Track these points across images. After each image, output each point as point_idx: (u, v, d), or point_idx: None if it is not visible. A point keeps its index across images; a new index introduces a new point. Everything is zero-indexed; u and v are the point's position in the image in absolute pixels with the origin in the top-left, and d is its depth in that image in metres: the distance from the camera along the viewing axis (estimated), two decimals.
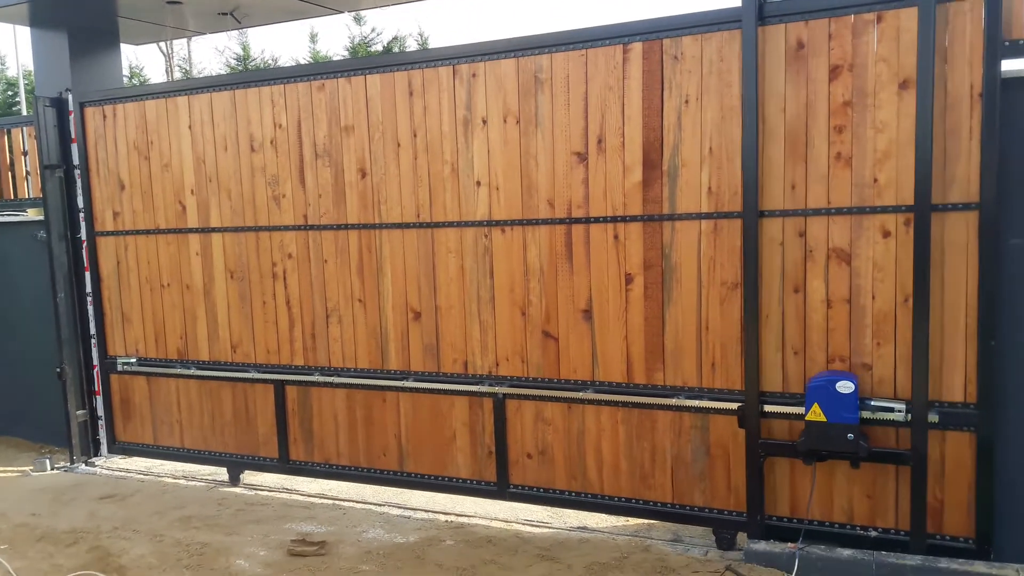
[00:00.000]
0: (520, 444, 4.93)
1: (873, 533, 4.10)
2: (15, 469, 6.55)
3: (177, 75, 26.24)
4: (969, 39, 3.76)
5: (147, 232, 6.02)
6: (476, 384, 4.99)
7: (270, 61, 27.84)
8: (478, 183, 4.88)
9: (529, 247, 4.78)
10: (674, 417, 4.49)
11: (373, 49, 27.04)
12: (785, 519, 4.31)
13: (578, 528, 4.92)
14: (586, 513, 4.98)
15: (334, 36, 34.68)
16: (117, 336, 6.28)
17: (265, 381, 5.68)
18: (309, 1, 6.49)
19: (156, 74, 29.94)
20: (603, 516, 4.97)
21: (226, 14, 6.65)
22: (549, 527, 4.95)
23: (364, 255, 5.26)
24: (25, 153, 7.04)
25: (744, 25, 4.09)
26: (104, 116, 6.10)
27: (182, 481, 6.11)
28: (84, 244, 6.40)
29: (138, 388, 6.26)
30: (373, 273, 5.25)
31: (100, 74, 6.70)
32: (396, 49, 27.60)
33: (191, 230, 5.83)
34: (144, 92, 6.01)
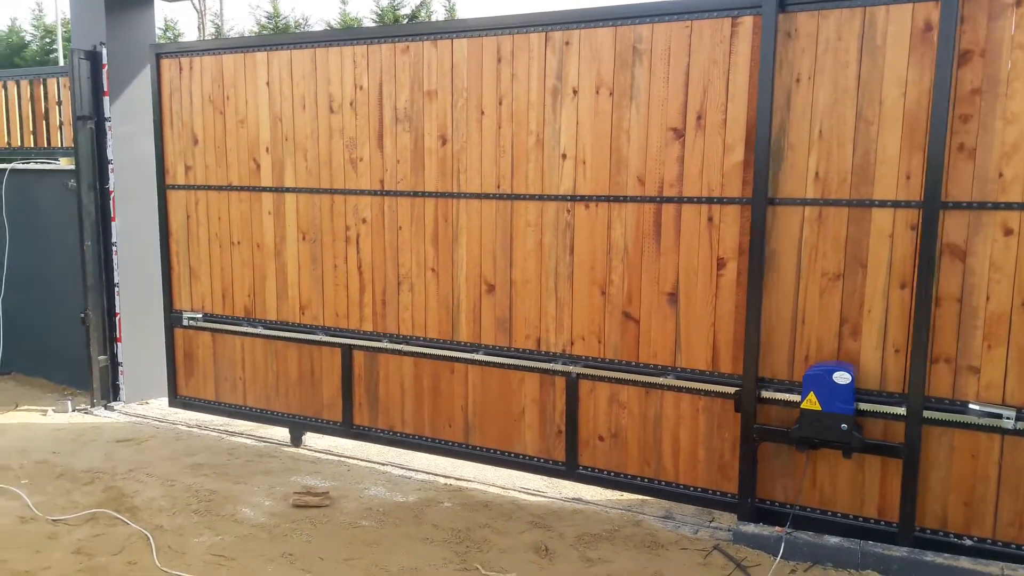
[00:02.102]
0: (592, 425, 4.84)
1: (968, 542, 3.94)
2: (38, 408, 6.80)
3: (209, 30, 26.24)
4: None
5: (219, 188, 5.98)
6: (549, 362, 4.89)
7: (300, 20, 27.99)
8: (564, 156, 4.72)
9: (614, 224, 4.63)
10: (760, 409, 4.34)
11: (401, 13, 26.88)
12: (775, 503, 4.35)
13: (572, 499, 4.96)
14: (664, 501, 4.89)
15: None
16: (183, 290, 6.29)
17: (332, 344, 5.64)
18: None
19: (189, 29, 30.20)
20: (598, 489, 5.02)
21: None
22: (544, 496, 5.02)
23: (440, 224, 5.15)
24: (59, 103, 7.13)
25: (764, 10, 4.01)
26: (180, 68, 6.04)
27: (195, 429, 6.30)
28: (112, 194, 6.63)
29: (202, 343, 6.27)
30: (448, 243, 5.14)
31: (134, 28, 6.78)
32: (423, 14, 27.15)
33: (264, 189, 5.77)
34: (222, 46, 5.92)
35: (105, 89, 6.59)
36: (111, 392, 6.89)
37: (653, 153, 4.46)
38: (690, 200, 4.40)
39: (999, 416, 3.80)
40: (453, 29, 4.98)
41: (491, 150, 4.92)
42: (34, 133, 7.30)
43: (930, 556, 3.92)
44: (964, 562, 3.84)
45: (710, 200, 4.34)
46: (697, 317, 4.45)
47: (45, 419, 6.53)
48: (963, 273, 3.85)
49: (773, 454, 4.34)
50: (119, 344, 6.82)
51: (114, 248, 6.70)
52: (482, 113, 4.92)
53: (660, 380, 4.56)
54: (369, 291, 5.47)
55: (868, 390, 4.08)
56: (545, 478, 5.16)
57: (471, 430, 5.24)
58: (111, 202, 6.67)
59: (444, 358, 5.25)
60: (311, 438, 5.99)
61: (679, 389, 4.53)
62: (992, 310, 3.81)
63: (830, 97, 4.01)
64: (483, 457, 5.23)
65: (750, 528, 4.28)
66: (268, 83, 5.65)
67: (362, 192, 5.39)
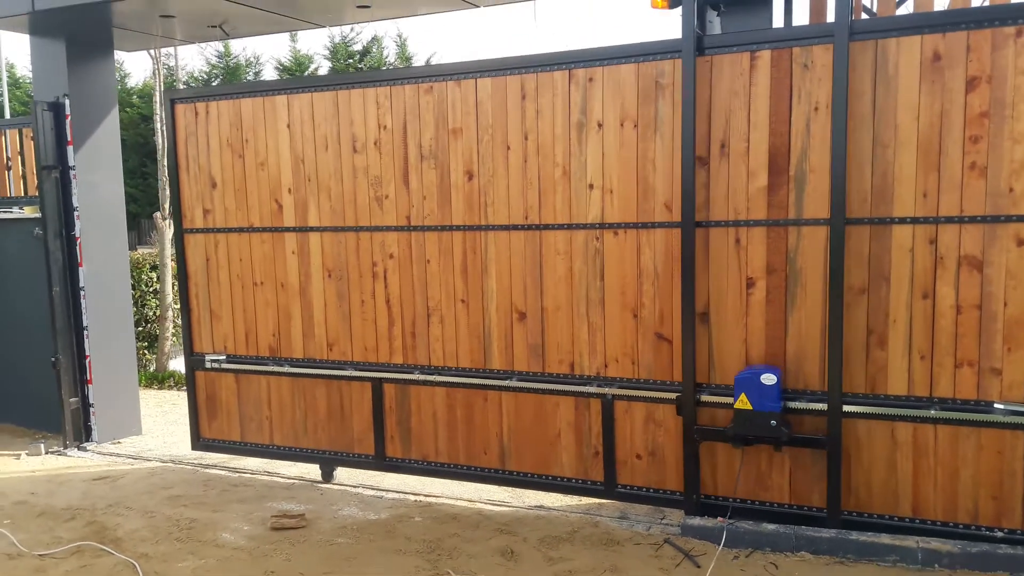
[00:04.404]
0: (629, 445, 4.99)
1: (999, 534, 4.19)
2: (10, 453, 6.92)
3: (164, 73, 26.29)
4: None
5: (240, 230, 6.04)
6: (583, 385, 5.05)
7: (251, 58, 28.43)
8: (591, 186, 4.92)
9: (643, 250, 4.83)
10: (794, 420, 4.55)
11: (352, 49, 27.39)
12: (717, 497, 4.77)
13: (535, 506, 5.31)
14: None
15: (314, 36, 34.92)
16: (204, 333, 6.30)
17: (362, 379, 5.72)
18: (293, 17, 6.83)
19: (137, 69, 30.43)
20: (559, 496, 5.36)
21: (215, 26, 7.00)
22: (509, 506, 5.35)
23: (468, 256, 5.30)
24: (21, 153, 7.33)
25: (684, 55, 4.51)
26: (196, 113, 6.11)
27: (170, 464, 6.51)
28: (78, 241, 6.88)
29: (225, 385, 6.28)
30: (477, 274, 5.29)
31: (96, 78, 7.12)
32: (375, 50, 27.60)
33: (288, 229, 5.85)
34: (240, 90, 6.02)
35: (69, 139, 6.85)
36: (83, 433, 7.10)
37: (679, 180, 4.69)
38: (717, 224, 4.63)
39: (1023, 413, 4.06)
40: (476, 69, 5.17)
41: (518, 183, 5.10)
42: None
43: (855, 535, 4.33)
44: (884, 538, 4.27)
45: (736, 223, 4.58)
46: (729, 335, 4.66)
47: (19, 463, 6.63)
48: (981, 282, 4.13)
49: (716, 452, 4.74)
50: (90, 386, 7.04)
51: (82, 293, 6.93)
52: (508, 148, 5.10)
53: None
54: (398, 324, 5.57)
55: (897, 396, 4.33)
56: (507, 489, 5.49)
57: (507, 456, 5.36)
58: (78, 248, 6.90)
59: (477, 386, 5.37)
60: (285, 466, 6.21)
61: (715, 405, 4.72)
62: (1010, 314, 4.09)
63: (847, 123, 4.29)
64: (520, 481, 5.34)
65: (696, 521, 4.67)
66: (289, 125, 5.77)
67: (388, 228, 5.52)
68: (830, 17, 4.45)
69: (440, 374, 5.46)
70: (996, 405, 4.14)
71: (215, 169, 6.09)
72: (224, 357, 6.23)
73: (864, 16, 4.80)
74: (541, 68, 4.96)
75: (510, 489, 5.51)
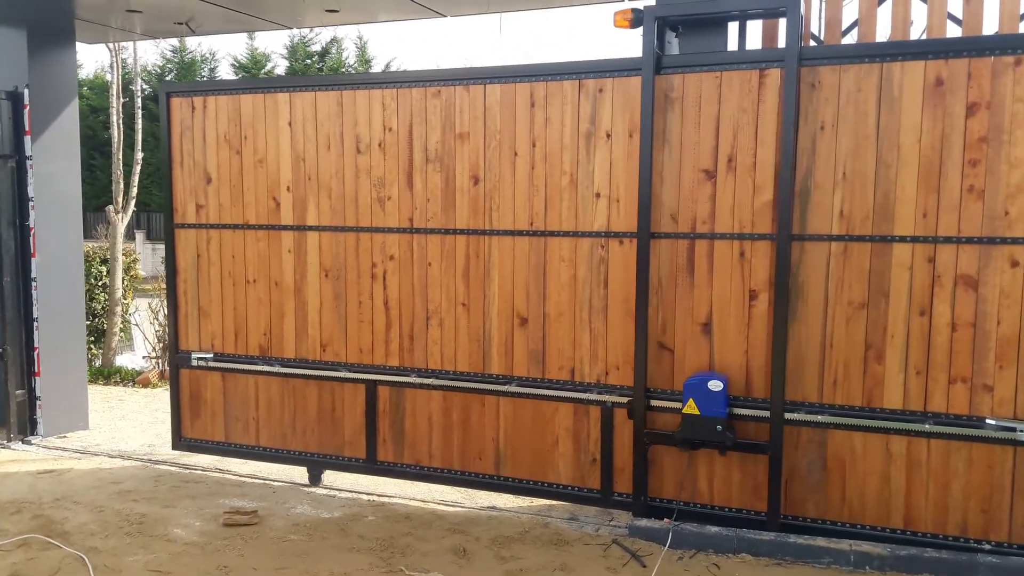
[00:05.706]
0: (627, 453, 5.02)
1: (987, 546, 4.32)
2: None
3: (119, 66, 26.27)
4: None
5: (234, 227, 5.95)
6: (584, 392, 5.07)
7: (207, 54, 28.22)
8: (597, 195, 4.98)
9: (649, 259, 4.89)
10: (790, 431, 4.64)
11: (311, 49, 27.37)
12: (662, 500, 4.94)
13: (488, 507, 5.42)
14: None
15: (273, 35, 34.80)
16: (192, 330, 6.17)
17: (356, 381, 5.66)
18: (259, 17, 6.94)
19: (88, 61, 30.04)
20: (511, 497, 5.47)
21: (181, 23, 7.05)
22: (462, 506, 5.45)
23: (471, 260, 5.30)
24: None
25: (644, 73, 4.69)
26: (193, 108, 6.02)
27: (118, 460, 6.45)
28: (32, 231, 6.89)
29: (211, 384, 6.15)
30: (480, 278, 5.29)
31: (56, 69, 7.13)
32: (334, 51, 27.54)
33: (285, 227, 5.78)
34: (240, 86, 5.95)
35: (27, 128, 6.83)
36: (29, 427, 7.03)
37: (686, 193, 4.77)
38: (722, 236, 4.72)
39: (1013, 429, 4.21)
40: (485, 75, 5.20)
41: (524, 189, 5.13)
42: None
43: (793, 538, 4.52)
44: (820, 541, 4.48)
45: (741, 236, 4.67)
46: (731, 346, 4.74)
47: None
48: (976, 301, 4.28)
49: (665, 456, 4.89)
50: (37, 379, 6.98)
51: (34, 284, 6.91)
52: (515, 154, 5.13)
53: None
54: (396, 327, 5.53)
55: (893, 409, 4.46)
56: (460, 490, 5.56)
57: (503, 461, 5.34)
58: (31, 238, 6.88)
59: (475, 391, 5.35)
60: (236, 464, 6.19)
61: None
62: (1003, 333, 4.25)
63: (852, 143, 4.43)
64: (515, 488, 5.32)
65: (643, 523, 4.83)
66: (290, 123, 5.71)
67: (390, 230, 5.49)
68: (781, 43, 4.63)
69: (437, 377, 5.44)
70: (988, 421, 4.28)
71: (211, 164, 5.99)
72: (211, 355, 6.10)
73: (812, 43, 5.06)
74: (551, 77, 5.01)
75: (463, 490, 5.58)
